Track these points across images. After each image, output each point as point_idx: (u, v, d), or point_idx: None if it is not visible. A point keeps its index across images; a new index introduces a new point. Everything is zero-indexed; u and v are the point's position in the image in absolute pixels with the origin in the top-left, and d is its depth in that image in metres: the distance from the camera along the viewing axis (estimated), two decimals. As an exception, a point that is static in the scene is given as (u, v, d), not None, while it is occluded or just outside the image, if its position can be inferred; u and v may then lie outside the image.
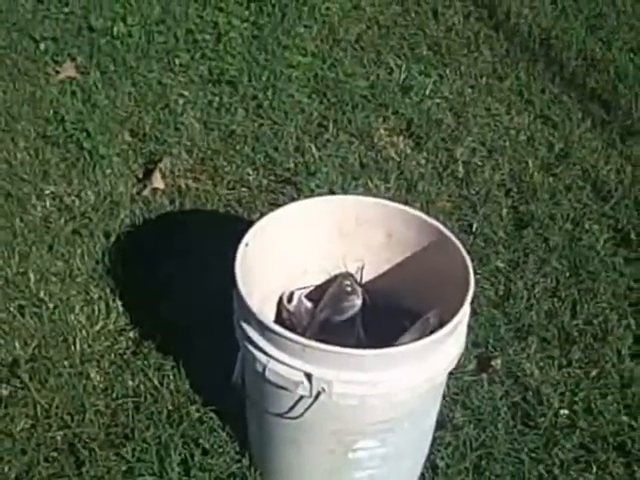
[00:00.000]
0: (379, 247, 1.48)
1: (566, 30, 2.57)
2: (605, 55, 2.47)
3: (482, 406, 1.59)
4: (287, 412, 1.29)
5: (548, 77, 2.40)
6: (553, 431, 1.56)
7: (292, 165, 2.09)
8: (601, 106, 2.31)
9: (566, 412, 1.59)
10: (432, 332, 1.25)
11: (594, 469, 1.51)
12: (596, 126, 2.24)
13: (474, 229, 1.94)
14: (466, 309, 1.27)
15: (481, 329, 1.70)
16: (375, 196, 1.67)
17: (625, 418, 1.59)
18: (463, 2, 2.67)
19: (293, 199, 1.97)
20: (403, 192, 2.02)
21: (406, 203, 1.55)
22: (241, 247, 1.33)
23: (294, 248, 1.46)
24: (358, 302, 1.47)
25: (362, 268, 1.51)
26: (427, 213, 1.47)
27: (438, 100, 2.30)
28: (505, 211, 1.99)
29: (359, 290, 1.48)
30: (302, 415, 1.26)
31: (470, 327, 1.35)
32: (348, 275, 1.49)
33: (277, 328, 1.23)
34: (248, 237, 1.35)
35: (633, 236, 1.94)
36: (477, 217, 1.97)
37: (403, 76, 2.36)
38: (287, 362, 1.23)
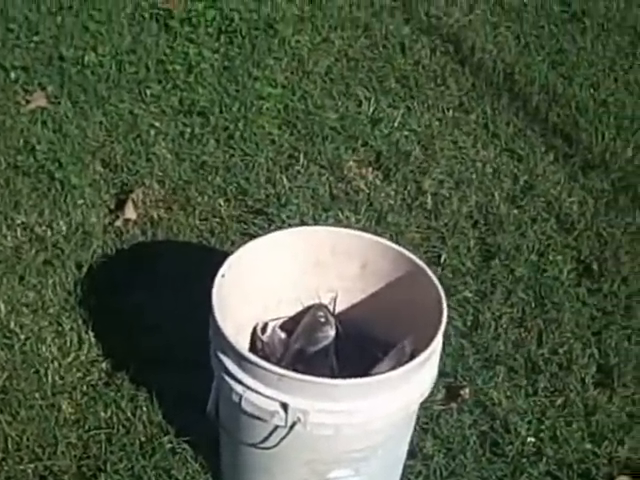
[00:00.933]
0: (353, 278, 1.49)
1: (529, 65, 2.63)
2: (566, 90, 2.52)
3: (451, 435, 1.61)
4: (262, 442, 1.29)
5: (512, 111, 2.44)
6: (520, 459, 1.58)
7: (263, 196, 2.11)
8: (563, 140, 2.35)
9: (533, 440, 1.61)
10: (407, 361, 1.27)
11: (560, 496, 1.54)
12: (559, 159, 2.29)
13: (442, 260, 1.97)
14: (439, 338, 1.29)
15: (450, 359, 1.72)
16: (347, 227, 1.69)
17: (589, 446, 1.61)
18: (429, 37, 2.71)
19: (264, 230, 1.99)
20: (373, 223, 2.05)
21: (376, 234, 1.57)
22: (217, 278, 1.33)
23: (269, 279, 1.47)
24: (332, 333, 1.48)
25: (335, 299, 1.53)
26: (397, 244, 1.49)
27: (406, 132, 2.32)
28: (472, 242, 2.03)
29: (332, 321, 1.49)
30: (277, 445, 1.27)
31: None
32: (322, 306, 1.51)
33: (254, 358, 1.24)
34: (224, 268, 1.36)
35: (595, 267, 1.98)
36: (445, 248, 2.00)
37: (372, 108, 2.39)
38: (263, 392, 1.24)
